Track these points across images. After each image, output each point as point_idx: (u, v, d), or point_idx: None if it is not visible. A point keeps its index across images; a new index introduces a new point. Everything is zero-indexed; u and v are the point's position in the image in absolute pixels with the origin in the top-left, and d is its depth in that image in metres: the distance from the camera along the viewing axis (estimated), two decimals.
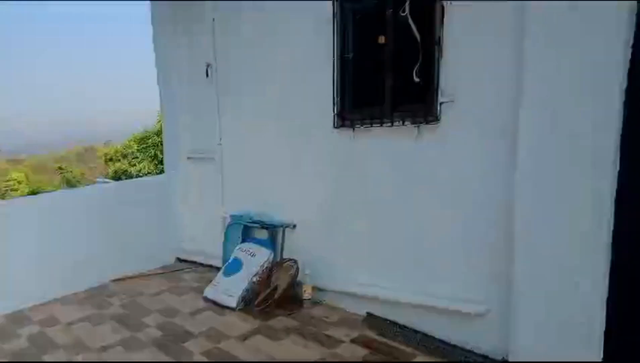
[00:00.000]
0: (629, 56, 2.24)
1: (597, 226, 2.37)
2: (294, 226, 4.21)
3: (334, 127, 3.72)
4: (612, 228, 2.36)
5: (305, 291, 3.99)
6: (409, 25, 3.13)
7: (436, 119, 3.12)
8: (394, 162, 3.44)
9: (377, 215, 3.59)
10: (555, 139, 2.46)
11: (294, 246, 4.23)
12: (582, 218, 2.41)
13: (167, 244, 5.28)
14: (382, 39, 3.32)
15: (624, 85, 2.26)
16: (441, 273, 3.25)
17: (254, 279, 4.06)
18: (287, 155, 4.19)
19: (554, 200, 2.50)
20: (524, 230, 2.64)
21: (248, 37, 4.34)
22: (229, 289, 4.03)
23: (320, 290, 3.99)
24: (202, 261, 5.15)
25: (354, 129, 3.61)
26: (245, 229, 4.48)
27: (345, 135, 3.69)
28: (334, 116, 3.71)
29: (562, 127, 2.43)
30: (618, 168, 2.32)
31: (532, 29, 2.50)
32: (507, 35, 2.71)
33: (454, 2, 2.92)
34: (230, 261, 4.29)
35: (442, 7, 2.97)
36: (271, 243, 4.29)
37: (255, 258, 4.17)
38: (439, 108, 3.10)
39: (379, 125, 3.45)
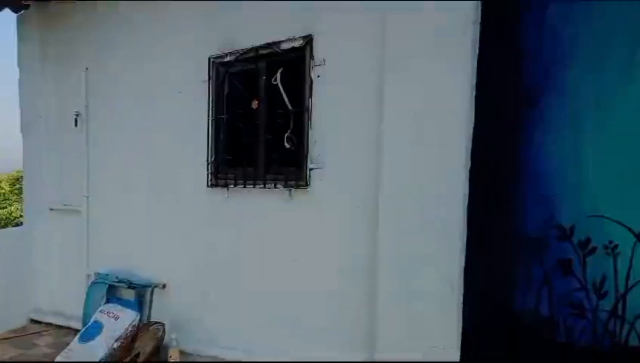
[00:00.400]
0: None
1: (451, 230, 2.60)
2: (164, 286, 4.00)
3: (208, 186, 3.68)
4: (465, 231, 2.60)
5: (171, 356, 3.75)
6: (281, 92, 3.24)
7: (306, 184, 3.22)
8: (266, 224, 3.46)
9: (250, 277, 3.55)
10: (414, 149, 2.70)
11: (163, 307, 4.00)
12: (435, 225, 2.64)
13: (20, 303, 4.72)
14: (255, 104, 3.39)
15: (473, 93, 2.55)
16: (310, 335, 3.26)
17: (115, 344, 3.75)
18: (160, 212, 4.03)
19: (410, 203, 2.71)
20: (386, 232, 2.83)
21: (122, 89, 4.20)
22: (84, 356, 3.67)
23: (189, 354, 3.79)
24: (61, 323, 4.67)
25: (227, 188, 3.60)
26: (110, 288, 4.16)
27: (219, 194, 3.66)
28: (207, 174, 3.67)
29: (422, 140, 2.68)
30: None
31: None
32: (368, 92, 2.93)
33: (320, 76, 3.09)
34: (89, 324, 3.93)
35: (311, 80, 3.13)
36: (138, 304, 4.01)
37: (118, 321, 3.86)
38: (308, 174, 3.21)
39: (252, 186, 3.48)
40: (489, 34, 2.52)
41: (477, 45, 2.52)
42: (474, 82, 2.55)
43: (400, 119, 2.72)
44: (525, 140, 2.51)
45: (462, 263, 2.63)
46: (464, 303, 2.64)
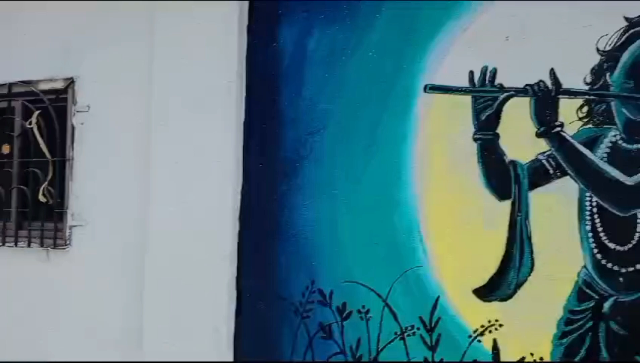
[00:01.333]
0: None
1: (219, 297, 2.50)
2: None
3: None
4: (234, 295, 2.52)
5: None
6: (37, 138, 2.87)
7: (66, 243, 2.87)
8: (18, 288, 2.99)
9: None
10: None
11: None
12: (203, 289, 2.51)
13: None
14: (6, 149, 2.96)
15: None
16: None
17: None
18: None
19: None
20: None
21: None
22: None
23: None
24: None
25: None
26: None
27: None
28: None
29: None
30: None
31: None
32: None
33: (84, 123, 2.80)
34: None
35: (73, 127, 2.82)
36: None
37: None
38: (69, 231, 2.87)
39: (0, 244, 3.01)
40: (253, 104, 2.56)
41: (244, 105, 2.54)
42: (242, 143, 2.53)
43: (167, 175, 2.58)
44: (288, 206, 2.54)
45: (232, 329, 2.53)
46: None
